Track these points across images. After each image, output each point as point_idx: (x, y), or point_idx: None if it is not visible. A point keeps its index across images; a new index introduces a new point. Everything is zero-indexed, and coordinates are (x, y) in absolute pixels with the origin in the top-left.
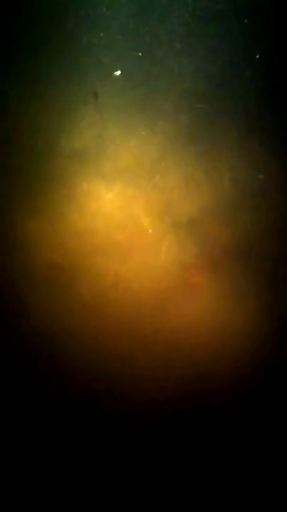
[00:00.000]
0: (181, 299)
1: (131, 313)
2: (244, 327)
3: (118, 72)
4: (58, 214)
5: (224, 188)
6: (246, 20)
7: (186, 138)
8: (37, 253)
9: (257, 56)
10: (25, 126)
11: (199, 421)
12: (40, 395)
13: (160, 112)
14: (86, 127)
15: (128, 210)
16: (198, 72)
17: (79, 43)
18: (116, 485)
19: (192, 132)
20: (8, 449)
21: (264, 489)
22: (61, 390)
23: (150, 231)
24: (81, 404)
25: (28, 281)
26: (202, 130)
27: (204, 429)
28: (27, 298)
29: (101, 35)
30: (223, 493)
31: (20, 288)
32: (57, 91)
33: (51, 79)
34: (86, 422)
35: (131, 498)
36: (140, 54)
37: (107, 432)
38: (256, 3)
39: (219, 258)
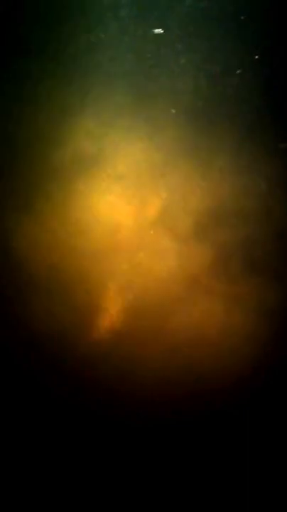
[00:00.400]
0: (182, 300)
1: (131, 313)
2: (245, 328)
3: (158, 30)
4: (58, 214)
5: (225, 189)
6: (242, 17)
7: (186, 138)
8: (37, 253)
9: (257, 56)
10: (25, 126)
11: (199, 421)
12: (40, 395)
13: (160, 112)
14: (86, 128)
15: (129, 211)
16: (198, 73)
17: (79, 43)
18: (117, 484)
19: (192, 132)
20: (8, 449)
21: (264, 489)
22: (61, 390)
23: (151, 232)
24: (81, 404)
25: (28, 281)
26: (203, 130)
27: (205, 429)
28: (27, 298)
29: (101, 35)
30: (223, 492)
31: (20, 288)
32: (57, 91)
33: (51, 79)
34: (86, 421)
35: (131, 498)
36: (149, 55)
37: (107, 432)
38: (256, 3)
39: (220, 259)
